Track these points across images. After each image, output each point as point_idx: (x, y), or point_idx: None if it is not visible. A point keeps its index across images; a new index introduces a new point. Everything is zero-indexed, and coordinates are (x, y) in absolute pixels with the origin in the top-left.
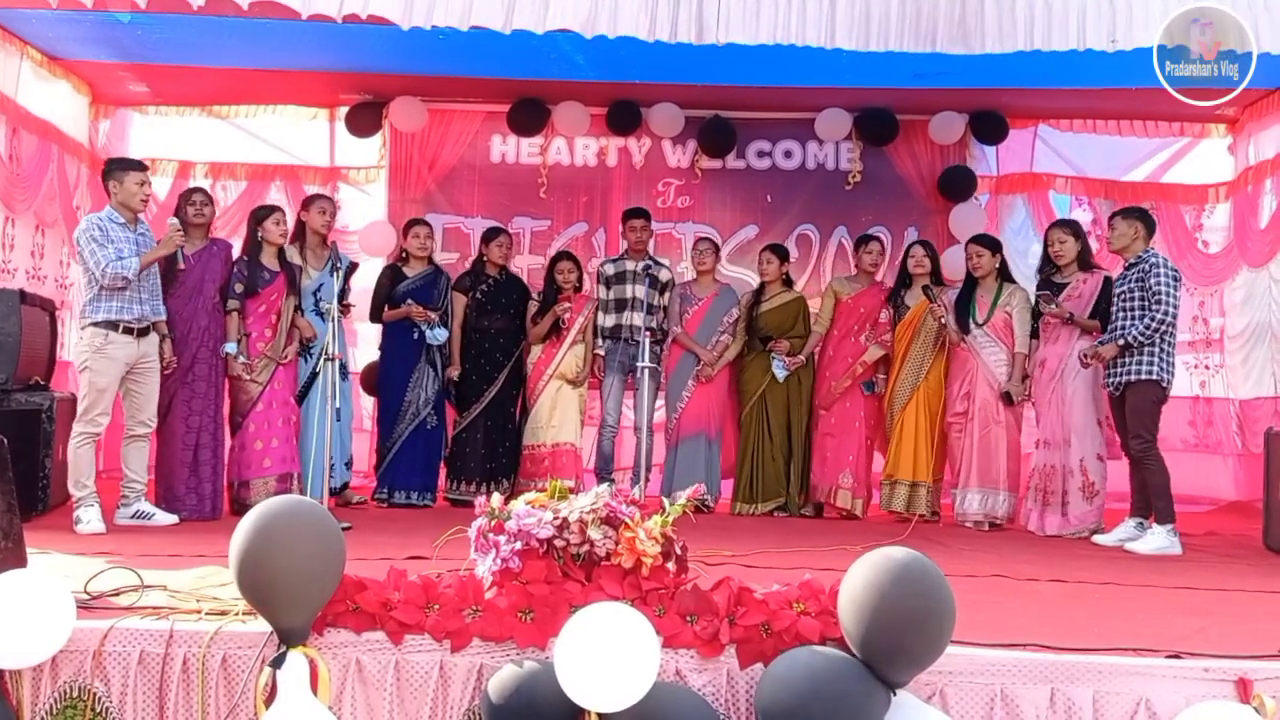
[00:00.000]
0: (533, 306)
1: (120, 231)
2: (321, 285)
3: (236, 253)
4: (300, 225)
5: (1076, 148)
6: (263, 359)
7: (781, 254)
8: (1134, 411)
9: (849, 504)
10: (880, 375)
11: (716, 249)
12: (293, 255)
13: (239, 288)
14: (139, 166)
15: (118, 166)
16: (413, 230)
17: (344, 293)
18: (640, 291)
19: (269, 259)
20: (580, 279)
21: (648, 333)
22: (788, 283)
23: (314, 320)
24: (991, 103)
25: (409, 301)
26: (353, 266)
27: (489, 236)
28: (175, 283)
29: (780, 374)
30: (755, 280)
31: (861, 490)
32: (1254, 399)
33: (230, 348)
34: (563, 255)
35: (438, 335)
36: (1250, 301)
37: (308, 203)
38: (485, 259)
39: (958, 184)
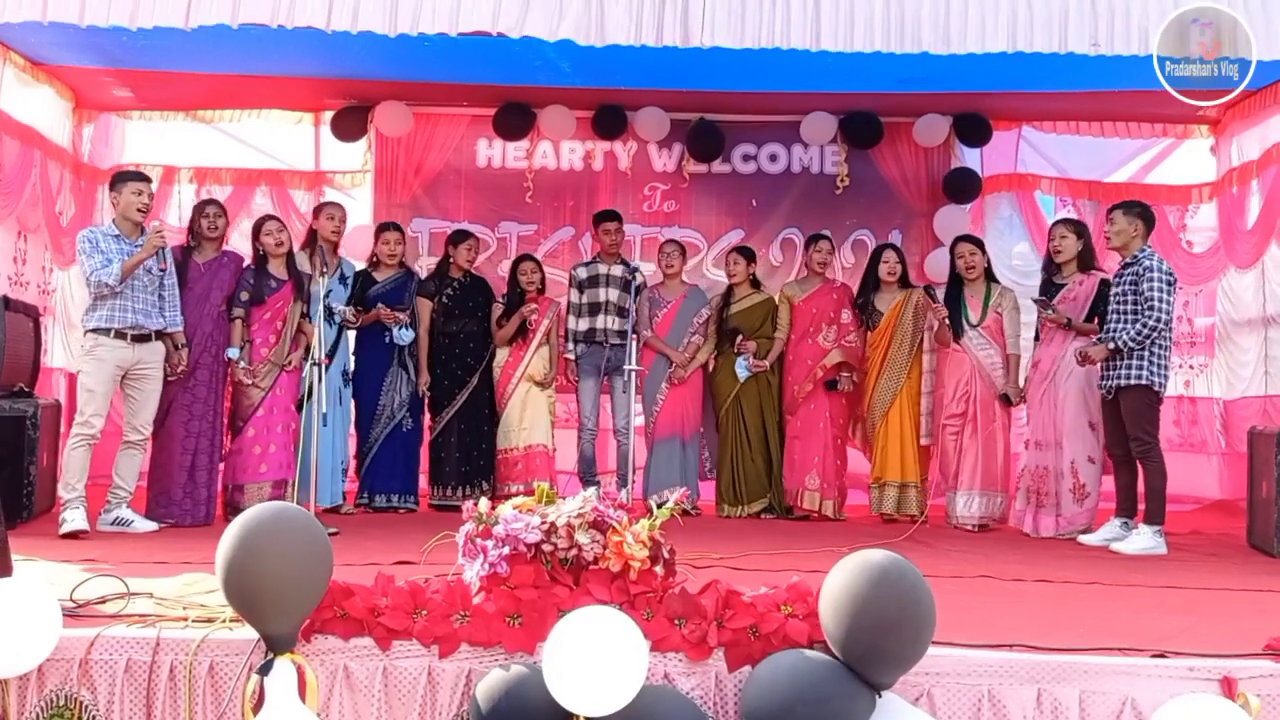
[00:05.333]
0: (497, 309)
1: (113, 243)
2: (330, 291)
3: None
4: (312, 232)
5: (1060, 149)
6: (266, 365)
7: (749, 255)
8: (1130, 414)
9: (816, 505)
10: (844, 374)
11: (684, 251)
12: (302, 262)
13: (244, 296)
14: (138, 177)
15: (118, 179)
16: (382, 236)
17: (351, 299)
18: (613, 295)
19: (276, 268)
20: (543, 280)
21: (634, 336)
22: (755, 284)
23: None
24: (975, 105)
25: (379, 305)
26: (360, 274)
27: (457, 239)
28: (183, 289)
29: (742, 374)
30: None
31: (831, 491)
32: (1240, 398)
33: (232, 353)
34: (524, 257)
35: (404, 336)
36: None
37: (318, 210)
38: (451, 261)
39: (962, 185)
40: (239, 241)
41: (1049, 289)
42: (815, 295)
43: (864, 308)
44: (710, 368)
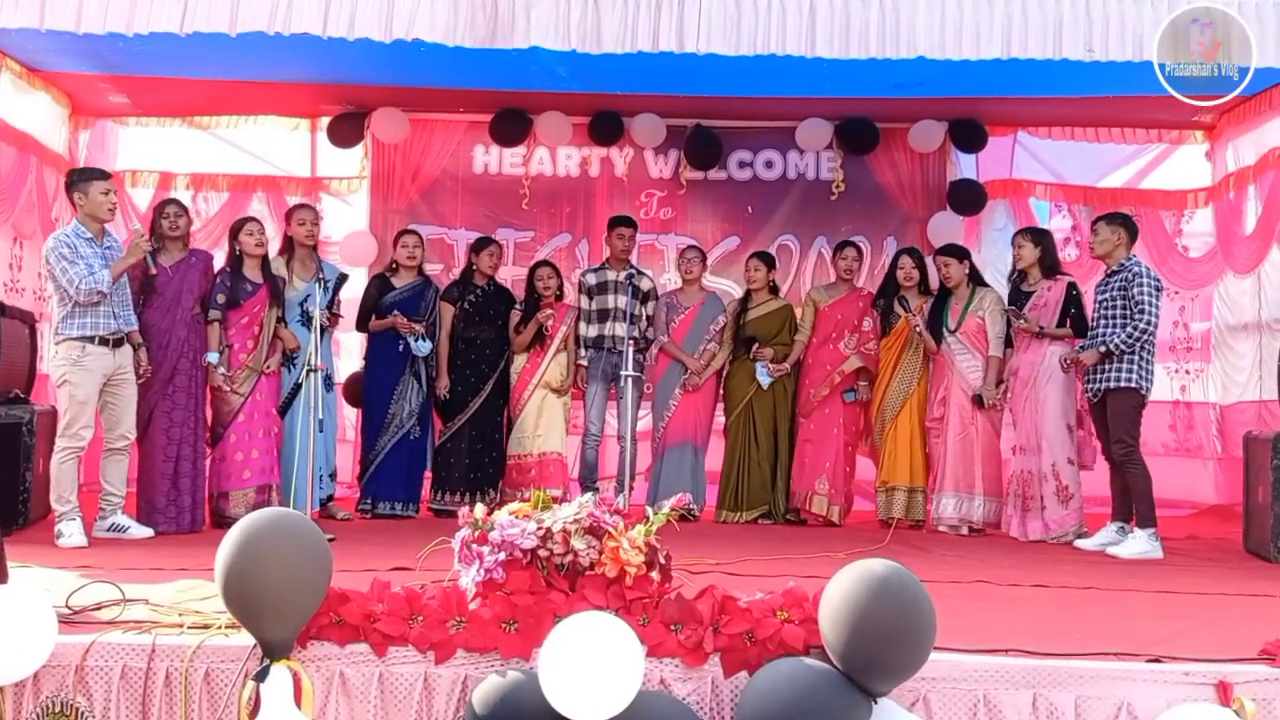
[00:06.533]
0: (514, 316)
1: (88, 247)
2: (308, 296)
3: (220, 263)
4: (288, 237)
5: (1056, 154)
6: (245, 370)
7: (768, 261)
8: (1115, 418)
9: (825, 510)
10: (862, 383)
11: (704, 257)
12: (278, 267)
13: (220, 299)
14: (102, 175)
15: (80, 177)
16: (401, 240)
17: (332, 303)
18: (623, 301)
19: (251, 271)
20: (561, 286)
21: (631, 342)
22: (773, 290)
23: (299, 331)
24: (970, 111)
25: (395, 312)
26: (342, 278)
27: (479, 246)
28: (153, 293)
29: (764, 380)
30: (737, 292)
31: (839, 497)
32: (1236, 403)
33: (212, 358)
34: (542, 263)
35: (421, 348)
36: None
37: (290, 214)
38: (474, 269)
39: (967, 197)
40: None
41: (1018, 297)
42: (841, 302)
43: (884, 312)
44: (724, 373)
